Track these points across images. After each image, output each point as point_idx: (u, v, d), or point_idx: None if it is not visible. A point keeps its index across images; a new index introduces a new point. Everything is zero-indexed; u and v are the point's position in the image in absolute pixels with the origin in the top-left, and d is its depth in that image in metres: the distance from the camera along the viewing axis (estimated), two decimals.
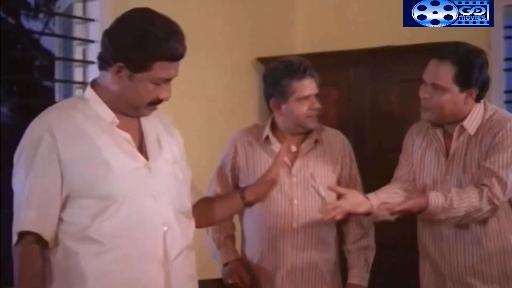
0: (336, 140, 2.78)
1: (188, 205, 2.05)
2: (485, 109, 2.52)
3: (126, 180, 1.90)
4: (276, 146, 2.70)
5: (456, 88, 2.44)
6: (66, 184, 1.87)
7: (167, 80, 1.93)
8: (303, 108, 2.66)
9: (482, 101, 2.53)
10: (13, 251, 1.88)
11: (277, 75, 2.68)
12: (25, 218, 1.87)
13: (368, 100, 3.63)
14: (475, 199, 2.38)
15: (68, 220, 1.89)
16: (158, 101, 1.96)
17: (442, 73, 2.44)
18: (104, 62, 1.93)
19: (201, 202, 2.19)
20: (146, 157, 1.96)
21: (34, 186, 1.87)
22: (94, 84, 1.99)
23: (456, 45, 2.54)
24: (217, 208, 2.22)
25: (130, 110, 1.97)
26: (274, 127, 2.75)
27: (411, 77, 3.48)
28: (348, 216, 2.67)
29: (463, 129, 2.50)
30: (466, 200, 2.38)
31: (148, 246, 1.90)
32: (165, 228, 1.93)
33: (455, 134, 2.51)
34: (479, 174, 2.44)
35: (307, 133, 2.73)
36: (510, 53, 3.69)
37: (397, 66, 3.54)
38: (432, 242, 2.58)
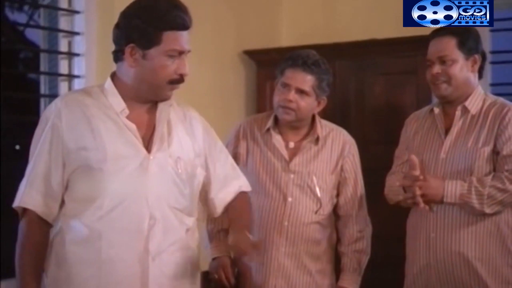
0: (339, 139, 2.72)
1: (185, 202, 2.02)
2: (486, 94, 2.66)
3: (119, 170, 1.90)
4: (276, 139, 2.68)
5: (461, 56, 2.58)
6: (67, 167, 1.91)
7: (181, 53, 1.93)
8: (277, 96, 2.65)
9: (482, 91, 2.65)
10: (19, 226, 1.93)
11: (282, 61, 2.68)
12: (26, 195, 1.91)
13: (353, 93, 3.65)
14: (497, 182, 2.45)
15: (66, 202, 1.93)
16: (179, 77, 1.95)
17: (446, 45, 2.59)
18: (117, 53, 1.96)
19: (234, 207, 2.18)
20: (150, 150, 1.96)
21: (38, 164, 1.92)
22: (113, 76, 2.01)
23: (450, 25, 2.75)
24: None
25: (152, 94, 1.98)
26: (277, 119, 2.72)
27: (395, 70, 3.53)
28: (346, 218, 2.71)
29: (465, 109, 2.61)
30: (488, 183, 2.45)
31: (130, 238, 1.91)
32: (151, 222, 1.93)
33: (457, 113, 2.61)
34: (498, 165, 2.50)
35: (310, 129, 2.71)
36: (495, 46, 3.72)
37: (382, 58, 3.57)
38: (421, 221, 2.62)
